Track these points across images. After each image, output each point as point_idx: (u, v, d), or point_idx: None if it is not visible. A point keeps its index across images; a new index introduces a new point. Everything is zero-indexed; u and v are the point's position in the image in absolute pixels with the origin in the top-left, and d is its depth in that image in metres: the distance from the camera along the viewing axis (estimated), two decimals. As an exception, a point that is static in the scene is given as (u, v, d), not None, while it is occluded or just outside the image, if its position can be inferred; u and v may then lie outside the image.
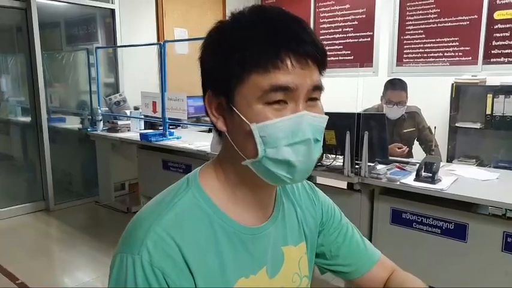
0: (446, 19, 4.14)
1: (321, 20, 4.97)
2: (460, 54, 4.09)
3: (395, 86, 2.99)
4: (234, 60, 0.62)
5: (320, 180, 2.47)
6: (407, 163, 2.45)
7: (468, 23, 4.01)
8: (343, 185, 2.43)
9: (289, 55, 0.61)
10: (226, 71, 0.64)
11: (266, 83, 0.61)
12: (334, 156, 2.37)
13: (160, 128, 3.69)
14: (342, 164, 2.27)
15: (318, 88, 0.66)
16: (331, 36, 4.92)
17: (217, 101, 0.67)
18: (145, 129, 3.93)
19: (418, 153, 3.09)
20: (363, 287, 0.89)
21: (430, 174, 2.08)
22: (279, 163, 0.64)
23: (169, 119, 3.55)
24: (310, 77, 0.64)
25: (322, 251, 0.87)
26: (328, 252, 0.87)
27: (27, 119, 4.18)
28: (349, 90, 4.15)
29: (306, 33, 0.63)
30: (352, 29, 4.77)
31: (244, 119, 0.63)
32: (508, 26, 3.80)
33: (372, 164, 2.27)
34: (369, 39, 4.66)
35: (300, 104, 0.63)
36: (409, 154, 3.01)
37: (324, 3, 4.93)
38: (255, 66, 0.61)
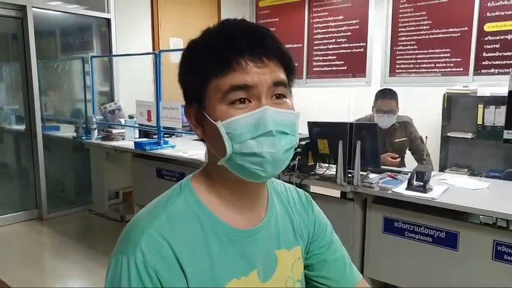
0: (437, 31, 4.21)
1: (314, 31, 5.03)
2: (451, 65, 4.16)
3: (385, 95, 3.04)
4: (199, 71, 0.69)
5: (313, 188, 2.49)
6: (399, 172, 2.48)
7: (459, 34, 4.09)
8: (336, 193, 2.44)
9: (244, 56, 0.67)
10: (194, 82, 0.71)
11: (226, 84, 0.67)
12: (327, 165, 2.39)
13: (154, 136, 3.70)
14: (334, 173, 2.29)
15: (281, 84, 0.70)
16: (325, 47, 4.98)
17: (193, 111, 0.73)
18: (139, 137, 3.94)
19: (410, 162, 3.12)
20: None
21: (422, 183, 2.11)
22: (247, 156, 0.67)
23: (164, 127, 3.57)
24: (270, 73, 0.68)
25: (309, 263, 0.89)
26: (315, 264, 0.89)
27: (22, 127, 4.17)
28: (342, 100, 4.22)
29: (263, 38, 0.69)
30: (345, 40, 4.84)
31: (211, 120, 0.68)
32: (497, 38, 3.88)
33: (364, 173, 2.29)
34: (362, 50, 4.73)
35: (263, 100, 0.67)
36: (401, 163, 3.04)
37: (318, 15, 4.99)
38: (214, 71, 0.67)
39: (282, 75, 0.70)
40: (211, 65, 0.68)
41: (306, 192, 0.93)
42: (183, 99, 0.76)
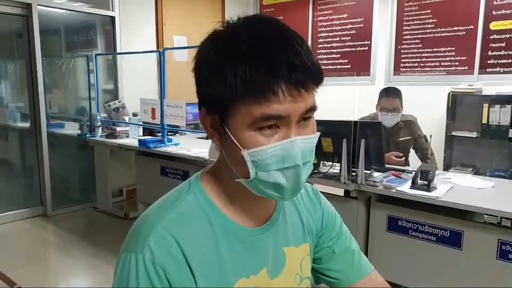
0: (442, 29, 4.18)
1: (319, 29, 5.02)
2: (456, 63, 4.14)
3: (389, 94, 3.03)
4: (226, 84, 0.62)
5: (317, 187, 2.47)
6: (403, 171, 2.47)
7: (464, 33, 4.06)
8: (340, 192, 2.44)
9: (281, 85, 0.61)
10: (219, 94, 0.63)
11: (258, 112, 0.61)
12: (331, 163, 2.39)
13: (158, 134, 3.71)
14: (338, 171, 2.29)
15: (312, 110, 0.66)
16: (329, 45, 4.96)
17: (211, 118, 0.68)
18: (143, 135, 3.95)
19: (414, 161, 3.11)
20: None
21: (426, 182, 2.10)
22: (270, 185, 0.66)
23: (168, 125, 3.57)
24: (304, 102, 0.64)
25: (318, 256, 0.89)
26: (323, 257, 0.89)
27: (26, 125, 4.19)
28: (346, 99, 4.20)
29: (297, 56, 0.62)
30: (349, 38, 4.82)
31: (236, 143, 0.64)
32: (503, 36, 3.85)
33: (368, 172, 2.29)
34: (366, 48, 4.71)
35: (292, 128, 0.64)
36: (405, 162, 3.04)
37: (322, 13, 4.98)
38: (247, 95, 0.61)
39: (313, 100, 0.66)
40: (243, 86, 0.60)
41: (312, 186, 0.92)
42: (197, 98, 0.70)
